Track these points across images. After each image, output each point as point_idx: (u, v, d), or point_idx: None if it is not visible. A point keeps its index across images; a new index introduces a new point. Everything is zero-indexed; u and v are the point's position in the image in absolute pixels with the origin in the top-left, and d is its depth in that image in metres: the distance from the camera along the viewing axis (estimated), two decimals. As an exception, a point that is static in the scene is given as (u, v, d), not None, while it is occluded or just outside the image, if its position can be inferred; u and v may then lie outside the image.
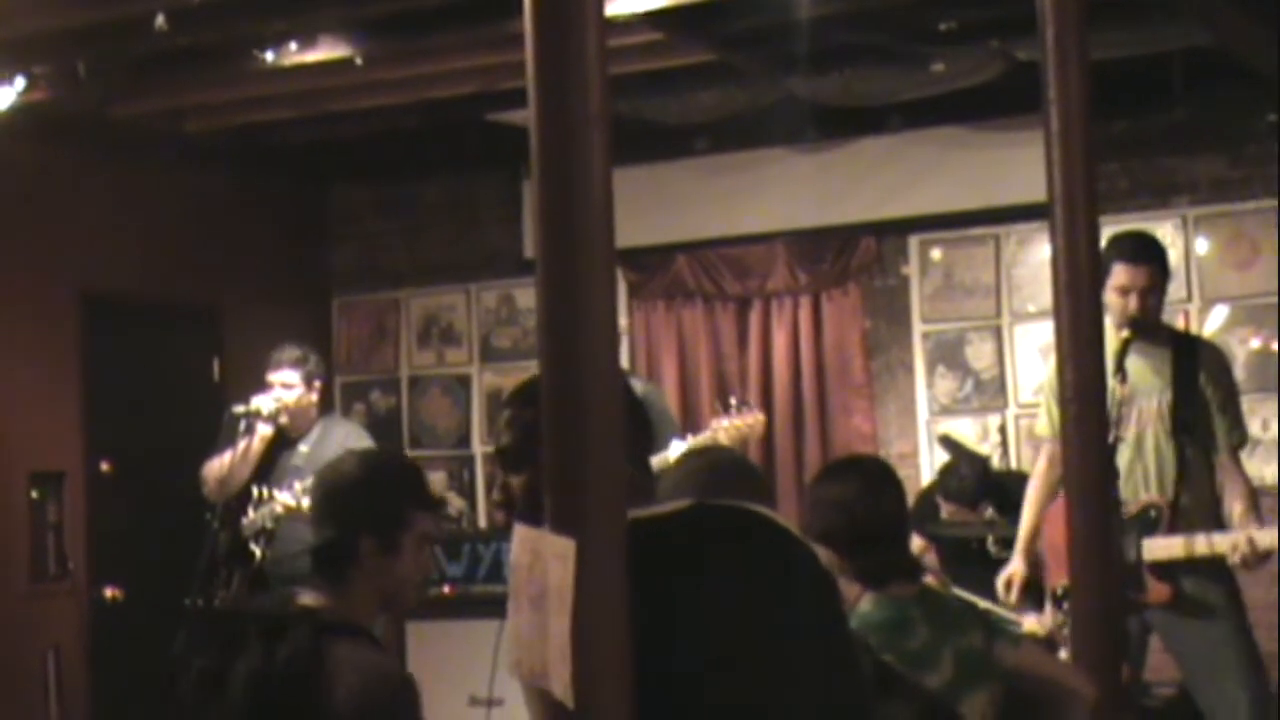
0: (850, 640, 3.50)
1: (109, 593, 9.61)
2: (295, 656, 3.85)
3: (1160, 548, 6.37)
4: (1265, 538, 6.28)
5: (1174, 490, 6.43)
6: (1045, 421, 6.80)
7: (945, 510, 8.10)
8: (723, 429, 7.70)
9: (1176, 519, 6.40)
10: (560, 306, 2.72)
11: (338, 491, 4.11)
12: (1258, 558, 6.27)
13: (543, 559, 2.73)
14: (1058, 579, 6.49)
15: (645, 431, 3.42)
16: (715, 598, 3.18)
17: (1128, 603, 6.30)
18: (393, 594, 4.09)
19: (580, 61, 2.72)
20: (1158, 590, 6.38)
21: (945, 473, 8.37)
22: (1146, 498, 6.42)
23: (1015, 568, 6.83)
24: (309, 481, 7.59)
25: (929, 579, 4.68)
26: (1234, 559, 6.29)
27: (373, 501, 4.07)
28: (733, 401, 8.06)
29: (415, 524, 4.09)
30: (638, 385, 6.39)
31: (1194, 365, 6.52)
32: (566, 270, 2.72)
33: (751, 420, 7.78)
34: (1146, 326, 6.42)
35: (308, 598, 4.05)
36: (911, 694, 4.16)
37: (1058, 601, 6.47)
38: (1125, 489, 6.39)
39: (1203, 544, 6.32)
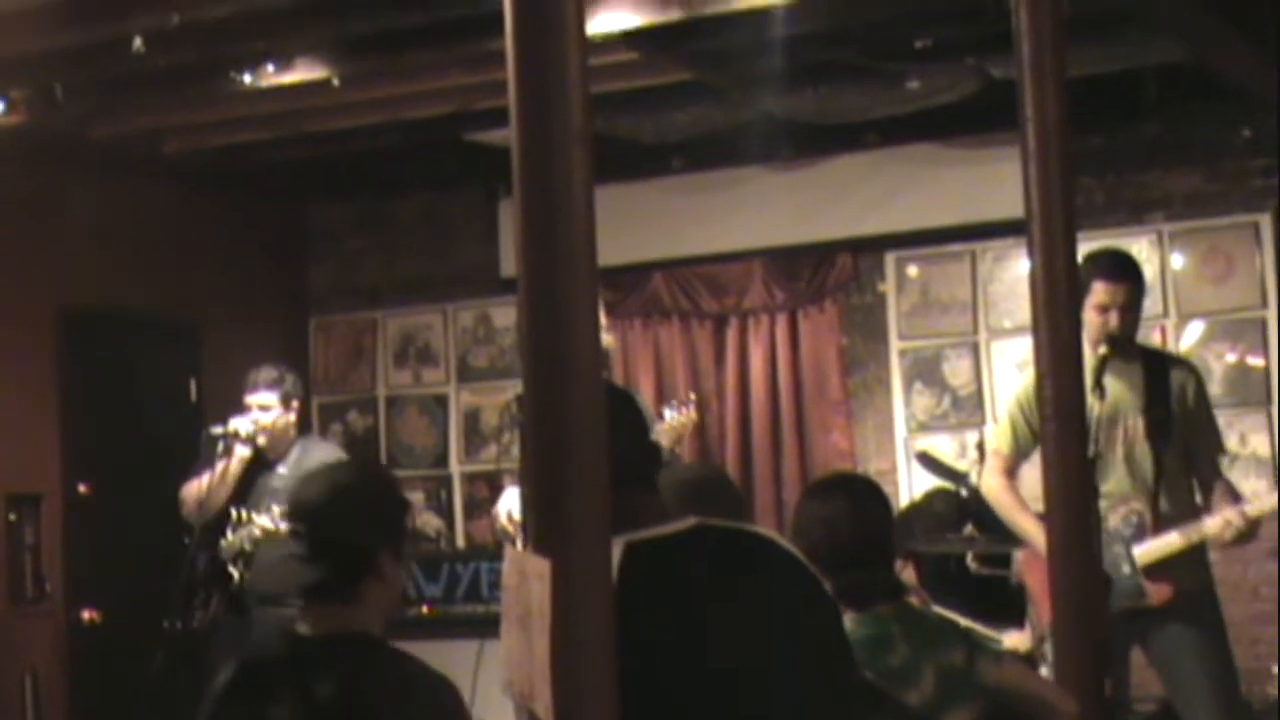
0: (852, 666, 3.49)
1: (86, 615, 9.59)
2: (340, 693, 3.72)
3: (1157, 548, 6.41)
4: (1254, 507, 6.43)
5: (1152, 494, 6.47)
6: (1006, 437, 6.77)
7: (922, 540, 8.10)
8: (661, 431, 7.71)
9: (1159, 522, 6.44)
10: (543, 325, 2.72)
11: (355, 505, 3.97)
12: (1250, 527, 6.39)
13: (528, 579, 2.73)
14: (1045, 613, 6.49)
15: (651, 452, 3.41)
16: (718, 620, 3.17)
17: (1131, 613, 6.34)
18: (395, 604, 4.01)
19: (562, 80, 2.72)
20: (1159, 591, 6.42)
21: (918, 509, 8.37)
22: (1126, 507, 6.44)
23: None
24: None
25: (912, 599, 4.67)
26: (1227, 535, 6.38)
27: (388, 511, 3.99)
28: (673, 402, 8.08)
29: (410, 530, 4.03)
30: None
31: (1166, 379, 6.57)
32: (549, 289, 2.71)
33: (685, 419, 7.79)
34: (1122, 343, 6.45)
35: (305, 626, 3.92)
36: (893, 711, 4.16)
37: (1052, 635, 6.45)
38: (1121, 505, 6.43)
39: (1195, 532, 6.40)
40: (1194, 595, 6.50)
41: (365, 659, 3.77)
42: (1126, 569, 6.37)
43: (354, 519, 3.93)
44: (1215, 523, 6.40)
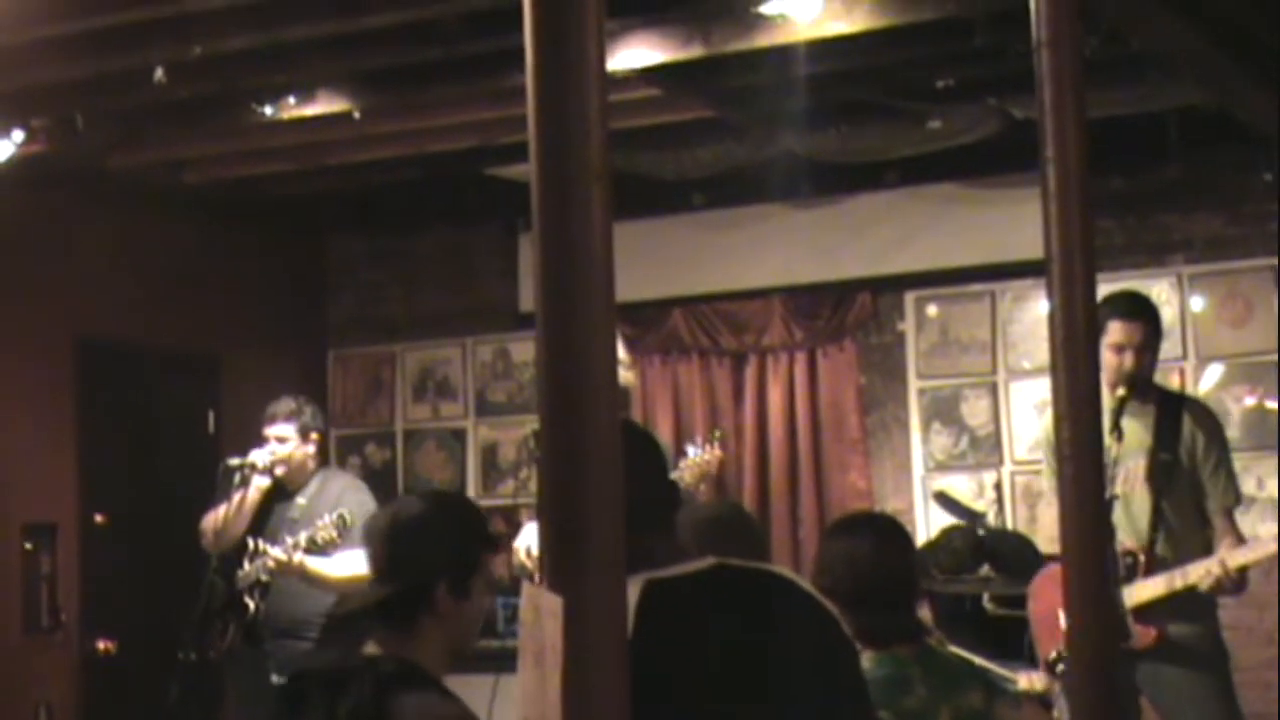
0: (869, 707, 3.48)
1: (101, 645, 9.58)
2: (357, 710, 3.72)
3: (1141, 591, 6.40)
4: (1235, 557, 6.37)
5: (1148, 538, 6.46)
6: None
7: (939, 579, 8.08)
8: (686, 468, 7.72)
9: (1153, 567, 6.43)
10: (560, 361, 2.71)
11: (411, 536, 3.96)
12: (1231, 580, 6.35)
13: (542, 616, 2.72)
14: (1049, 647, 6.50)
15: (669, 491, 3.41)
16: (735, 660, 3.17)
17: (1130, 657, 6.32)
18: (460, 641, 3.98)
19: (582, 116, 2.71)
20: (1144, 635, 6.41)
21: (936, 546, 8.35)
22: (1123, 547, 6.44)
23: None
24: (301, 536, 7.57)
25: (931, 639, 4.66)
26: (1208, 584, 6.35)
27: (449, 545, 3.96)
28: (697, 439, 8.10)
29: (485, 568, 3.99)
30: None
31: (1178, 423, 6.57)
32: (567, 326, 2.71)
33: (709, 457, 7.82)
34: (1139, 384, 6.44)
35: (372, 648, 3.92)
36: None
37: (1050, 668, 6.46)
38: (1115, 546, 6.43)
39: (1179, 578, 6.39)
40: (1192, 641, 6.48)
41: (393, 685, 3.76)
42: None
43: (410, 552, 3.94)
44: (1197, 570, 6.37)
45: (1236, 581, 6.39)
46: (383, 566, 3.97)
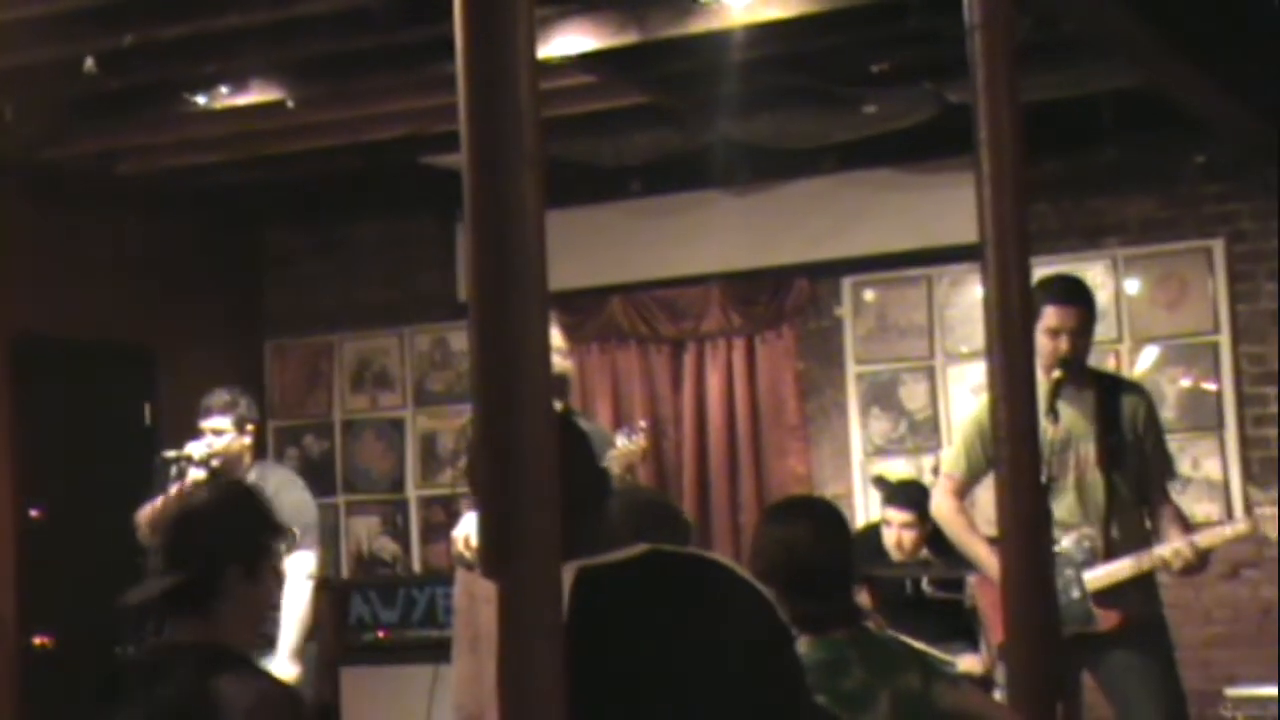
0: (805, 691, 3.49)
1: (38, 641, 9.52)
2: (179, 696, 3.79)
3: (1106, 574, 6.43)
4: (1204, 538, 6.49)
5: (1104, 521, 6.49)
6: (959, 460, 6.79)
7: (898, 519, 8.02)
8: (613, 458, 7.71)
9: (1110, 548, 6.46)
10: (493, 349, 2.71)
11: (199, 524, 4.05)
12: (1200, 558, 6.44)
13: (477, 602, 2.71)
14: (997, 634, 6.52)
15: (601, 479, 3.41)
16: (670, 645, 3.17)
17: (1080, 638, 6.35)
18: (254, 624, 4.09)
19: (513, 104, 2.71)
20: (1107, 617, 6.44)
21: (876, 534, 8.34)
22: (1078, 532, 6.47)
23: None
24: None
25: (868, 623, 4.67)
26: (1176, 565, 6.43)
27: (236, 531, 4.03)
28: (624, 428, 8.09)
29: (272, 552, 4.07)
30: (581, 424, 6.43)
31: (1118, 405, 6.60)
32: (499, 312, 2.70)
33: (634, 447, 7.81)
34: (1074, 368, 6.46)
35: (179, 636, 3.99)
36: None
37: (1002, 656, 6.49)
38: (1072, 531, 6.45)
39: (1147, 560, 6.45)
40: (1142, 622, 6.53)
41: (211, 668, 3.82)
42: (1076, 594, 6.39)
43: (196, 539, 4.02)
44: (1165, 551, 6.44)
45: (1203, 559, 6.47)
46: (173, 555, 4.04)
